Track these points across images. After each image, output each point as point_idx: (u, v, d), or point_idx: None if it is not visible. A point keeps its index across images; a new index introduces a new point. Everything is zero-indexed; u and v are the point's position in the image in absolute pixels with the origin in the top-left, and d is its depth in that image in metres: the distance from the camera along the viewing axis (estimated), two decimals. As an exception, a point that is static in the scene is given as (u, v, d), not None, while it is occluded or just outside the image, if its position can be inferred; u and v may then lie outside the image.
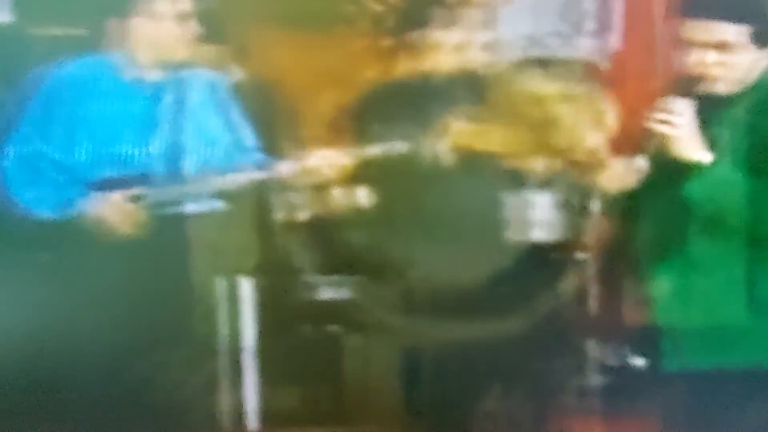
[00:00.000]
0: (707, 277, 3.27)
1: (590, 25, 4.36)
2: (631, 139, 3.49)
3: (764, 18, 3.24)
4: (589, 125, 3.80)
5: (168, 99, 3.87)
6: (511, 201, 3.81)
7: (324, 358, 4.04)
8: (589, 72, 4.22)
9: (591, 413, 3.96)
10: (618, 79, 4.14)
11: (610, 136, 3.80)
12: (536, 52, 4.27)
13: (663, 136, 3.16)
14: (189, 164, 3.85)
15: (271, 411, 3.92)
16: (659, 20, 4.05)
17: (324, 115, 4.06)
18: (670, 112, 3.17)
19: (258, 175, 3.81)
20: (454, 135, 3.88)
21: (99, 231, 3.73)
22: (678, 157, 3.17)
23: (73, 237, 3.77)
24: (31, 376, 4.05)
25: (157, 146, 3.83)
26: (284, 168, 3.78)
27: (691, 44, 3.22)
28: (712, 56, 3.19)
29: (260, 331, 3.88)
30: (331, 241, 3.95)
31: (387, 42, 4.18)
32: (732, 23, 3.18)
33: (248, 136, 3.93)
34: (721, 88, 3.24)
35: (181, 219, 3.79)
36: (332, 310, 4.04)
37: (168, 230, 3.76)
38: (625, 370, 3.81)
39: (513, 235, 3.82)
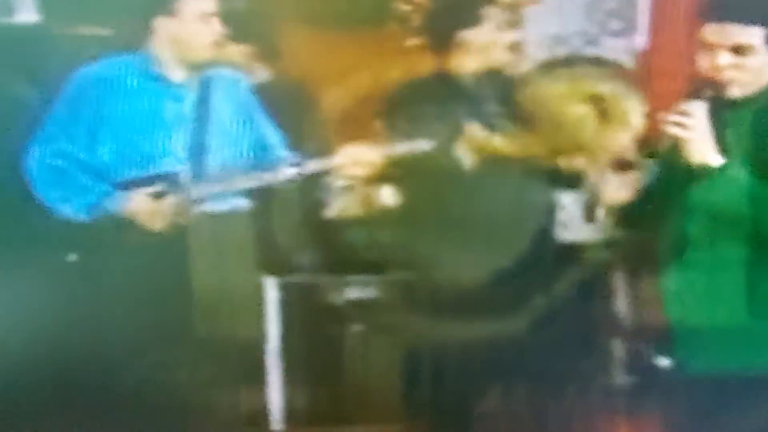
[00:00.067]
0: (723, 278, 3.27)
1: (616, 24, 4.36)
2: (657, 139, 3.49)
3: None
4: (615, 125, 3.81)
5: (193, 98, 3.89)
6: (537, 201, 3.81)
7: (348, 357, 4.05)
8: (615, 72, 4.23)
9: (617, 413, 3.96)
10: (644, 79, 4.14)
11: (636, 136, 3.80)
12: (562, 52, 4.27)
13: (676, 138, 3.16)
14: (214, 163, 3.87)
15: (295, 410, 3.93)
16: (685, 20, 4.05)
17: (351, 114, 4.08)
18: (683, 114, 3.17)
19: (283, 174, 3.82)
20: (481, 134, 3.89)
21: (126, 230, 3.77)
22: (689, 159, 3.17)
23: (100, 237, 3.80)
24: (62, 374, 4.09)
25: (182, 145, 3.85)
26: (310, 166, 3.80)
27: (707, 46, 3.22)
28: (727, 59, 3.19)
29: (285, 331, 3.90)
30: (356, 240, 3.96)
31: (415, 41, 4.20)
32: (748, 26, 3.18)
33: (273, 135, 3.95)
34: (735, 91, 3.24)
35: (206, 218, 3.80)
36: (357, 310, 4.05)
37: (194, 229, 3.78)
38: (651, 370, 3.81)
39: (540, 235, 3.83)
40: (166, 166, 3.82)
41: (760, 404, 3.27)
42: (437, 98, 3.97)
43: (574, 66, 4.12)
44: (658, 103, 3.65)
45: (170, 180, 3.80)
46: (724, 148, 3.17)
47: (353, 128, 3.93)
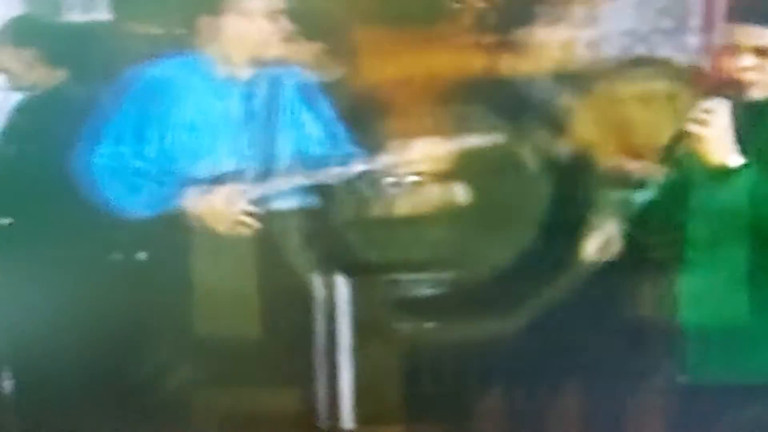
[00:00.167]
0: (737, 280, 3.25)
1: (694, 21, 4.33)
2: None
3: None
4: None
5: (260, 96, 3.91)
6: (605, 201, 3.79)
7: (420, 355, 4.06)
8: (692, 70, 4.20)
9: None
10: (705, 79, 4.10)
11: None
12: (639, 50, 4.26)
13: (696, 137, 3.14)
14: (280, 161, 3.88)
15: (366, 409, 3.95)
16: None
17: (422, 112, 4.09)
18: (706, 111, 3.15)
19: (351, 171, 3.81)
20: (555, 133, 3.89)
21: (194, 229, 3.77)
22: (708, 158, 3.15)
23: (168, 236, 3.81)
24: (129, 372, 4.17)
25: (247, 144, 3.86)
26: (379, 162, 3.78)
27: (732, 47, 3.21)
28: (750, 60, 3.18)
29: (356, 329, 3.90)
30: (426, 237, 3.97)
31: (489, 39, 4.20)
32: None
33: (341, 132, 3.96)
34: (757, 93, 3.22)
35: (272, 216, 3.80)
36: (428, 308, 4.06)
37: (262, 227, 3.77)
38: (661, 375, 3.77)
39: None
40: (231, 164, 3.83)
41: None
42: (512, 96, 3.98)
43: (650, 65, 4.10)
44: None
45: (235, 178, 3.81)
46: (743, 150, 3.15)
47: (419, 125, 3.92)
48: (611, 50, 4.27)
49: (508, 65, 4.07)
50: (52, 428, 4.33)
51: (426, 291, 4.10)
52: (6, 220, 4.25)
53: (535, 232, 3.80)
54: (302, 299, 3.86)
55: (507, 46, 4.05)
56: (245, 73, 3.90)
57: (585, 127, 3.88)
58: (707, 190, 3.24)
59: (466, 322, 3.88)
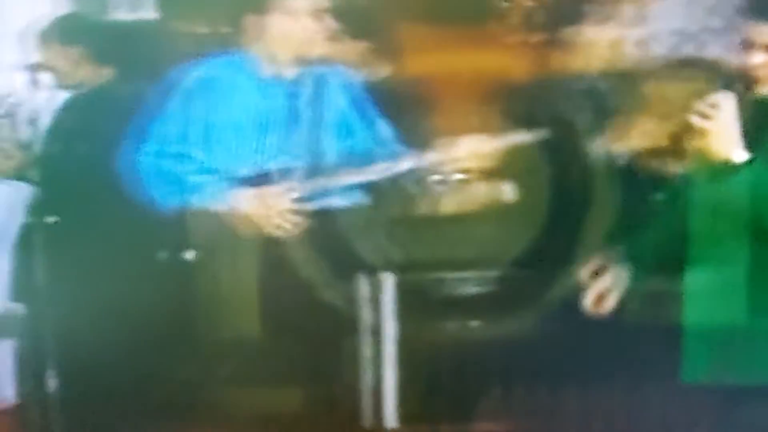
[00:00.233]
0: (739, 280, 3.21)
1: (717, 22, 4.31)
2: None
3: None
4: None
5: (305, 95, 3.93)
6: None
7: (465, 354, 4.05)
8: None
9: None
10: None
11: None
12: (687, 49, 4.24)
13: (701, 131, 3.12)
14: (326, 159, 3.91)
15: (410, 408, 3.95)
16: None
17: (468, 110, 4.09)
18: (712, 105, 3.13)
19: (398, 169, 3.83)
20: (603, 132, 3.89)
21: (241, 228, 3.80)
22: (713, 153, 3.13)
23: (215, 234, 3.84)
24: (173, 372, 4.19)
25: (293, 142, 3.89)
26: (426, 160, 3.80)
27: (746, 44, 3.20)
28: (761, 57, 3.17)
29: (402, 328, 3.89)
30: (472, 235, 3.96)
31: (538, 38, 4.21)
32: None
33: (386, 130, 3.98)
34: (766, 89, 3.21)
35: (319, 214, 3.83)
36: (474, 306, 4.06)
37: (310, 225, 3.80)
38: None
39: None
40: (277, 163, 3.86)
41: None
42: (561, 95, 3.98)
43: (699, 64, 4.08)
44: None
45: (281, 177, 3.84)
46: (749, 146, 3.13)
47: (465, 123, 3.92)
48: (660, 49, 4.25)
49: (557, 64, 4.08)
50: (96, 427, 4.36)
51: (472, 289, 4.10)
52: (52, 219, 4.25)
53: (578, 230, 3.81)
54: (349, 297, 3.87)
55: (556, 44, 4.07)
56: (291, 71, 3.93)
57: (632, 127, 3.87)
58: (710, 186, 3.21)
59: (511, 320, 3.89)
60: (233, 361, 3.92)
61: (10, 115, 4.48)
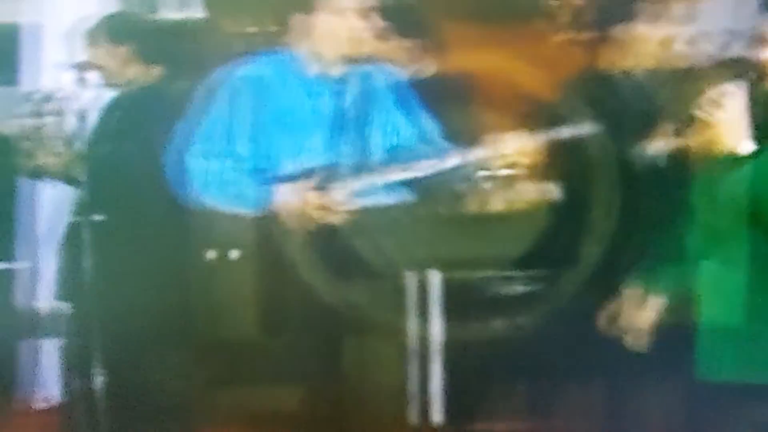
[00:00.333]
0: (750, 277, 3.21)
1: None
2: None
3: None
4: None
5: (352, 93, 3.97)
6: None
7: (511, 352, 4.05)
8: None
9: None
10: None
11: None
12: (736, 48, 4.23)
13: (709, 121, 3.12)
14: (374, 157, 3.94)
15: (456, 405, 3.95)
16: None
17: (516, 107, 4.11)
18: (721, 94, 3.13)
19: (445, 166, 3.83)
20: (650, 131, 3.89)
21: (288, 225, 3.81)
22: (720, 143, 3.12)
23: (262, 232, 3.86)
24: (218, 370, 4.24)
25: (341, 140, 3.92)
26: (472, 156, 3.80)
27: (762, 38, 3.21)
28: None
29: (448, 326, 3.90)
30: (518, 233, 3.97)
31: (587, 36, 4.21)
32: None
33: (433, 128, 4.00)
34: None
35: (365, 211, 3.84)
36: (520, 305, 4.06)
37: (356, 222, 3.82)
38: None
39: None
40: (324, 161, 3.88)
41: None
42: (610, 93, 3.99)
43: (739, 66, 4.08)
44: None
45: (328, 175, 3.85)
46: (757, 137, 3.12)
47: (513, 120, 3.94)
48: (710, 48, 4.25)
49: (606, 62, 4.10)
50: (141, 425, 4.41)
51: (517, 288, 4.11)
52: (98, 217, 4.28)
53: (624, 228, 3.82)
54: (397, 295, 3.88)
55: (605, 42, 4.08)
56: (337, 70, 3.97)
57: (681, 126, 3.87)
58: (721, 178, 3.23)
59: (557, 319, 3.90)
60: (282, 359, 3.97)
61: (57, 113, 4.53)
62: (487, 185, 3.82)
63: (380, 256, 3.82)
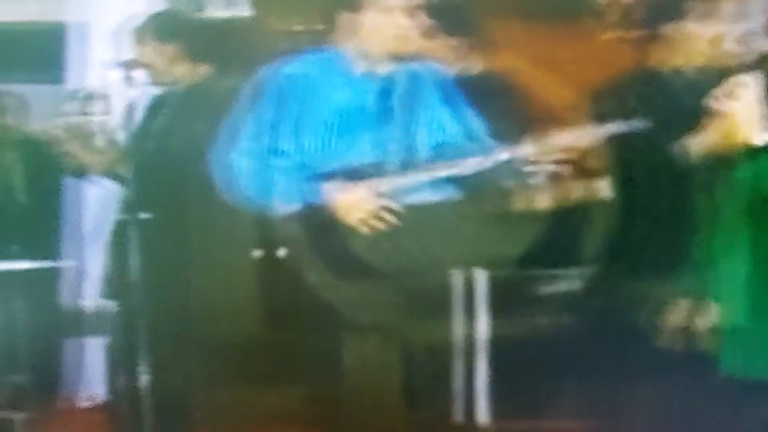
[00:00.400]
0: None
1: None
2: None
3: None
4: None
5: (398, 91, 3.98)
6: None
7: (558, 351, 4.07)
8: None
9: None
10: None
11: None
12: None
13: (724, 113, 3.11)
14: (420, 154, 3.95)
15: (502, 404, 3.98)
16: None
17: (564, 104, 4.12)
18: (736, 85, 3.12)
19: (491, 163, 3.83)
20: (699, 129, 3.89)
21: (335, 223, 3.82)
22: (734, 134, 3.11)
23: (309, 230, 3.85)
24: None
25: (388, 137, 3.94)
26: (519, 153, 3.80)
27: None
28: None
29: (494, 324, 3.90)
30: (566, 231, 3.98)
31: (636, 34, 4.22)
32: None
33: (479, 125, 4.01)
34: None
35: (411, 209, 3.83)
36: (565, 303, 4.09)
37: (403, 220, 3.81)
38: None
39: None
40: (370, 159, 3.91)
41: None
42: (659, 91, 4.00)
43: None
44: None
45: (374, 172, 3.88)
46: None
47: (560, 117, 3.97)
48: (760, 46, 4.25)
49: (655, 59, 4.10)
50: (185, 423, 4.45)
51: (564, 286, 4.12)
52: (145, 216, 4.32)
53: (670, 226, 3.82)
54: (441, 293, 3.89)
55: (655, 40, 4.09)
56: (384, 68, 3.99)
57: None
58: (738, 171, 3.23)
59: (603, 317, 3.91)
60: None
61: (104, 112, 4.58)
62: (534, 182, 3.82)
63: (426, 254, 3.81)
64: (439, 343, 3.90)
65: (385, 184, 3.85)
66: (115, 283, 4.58)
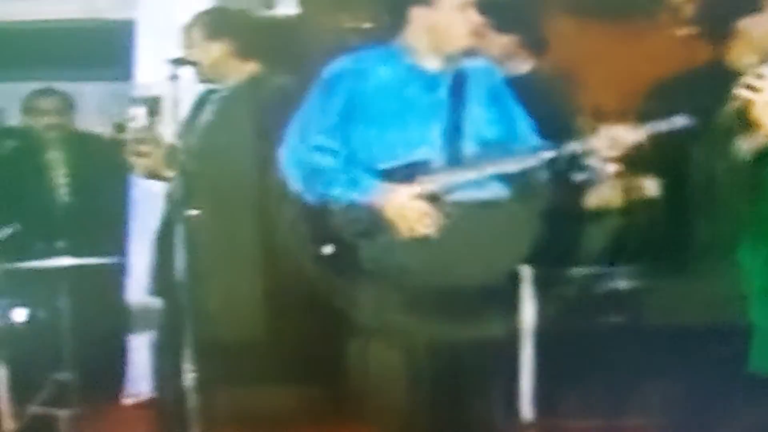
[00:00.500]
0: None
1: None
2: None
3: None
4: None
5: (450, 88, 4.02)
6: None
7: (605, 350, 4.08)
8: None
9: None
10: None
11: None
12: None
13: (746, 102, 3.13)
14: (469, 151, 3.98)
15: (546, 402, 4.00)
16: None
17: (614, 102, 4.14)
18: (759, 76, 3.13)
19: (541, 160, 3.87)
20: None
21: (387, 220, 3.88)
22: (757, 125, 3.11)
23: (364, 226, 3.92)
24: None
25: (438, 134, 3.97)
26: (569, 151, 3.83)
27: None
28: None
29: (540, 321, 3.95)
30: (616, 229, 3.99)
31: (693, 30, 4.23)
32: None
33: (530, 123, 4.04)
34: None
35: (462, 206, 3.88)
36: (615, 301, 4.10)
37: (452, 217, 3.86)
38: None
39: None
40: (423, 155, 3.94)
41: None
42: (710, 88, 4.01)
43: None
44: None
45: (425, 169, 3.91)
46: None
47: (610, 117, 3.96)
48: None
49: (713, 56, 4.11)
50: (232, 420, 4.50)
51: (612, 284, 4.12)
52: (192, 212, 4.36)
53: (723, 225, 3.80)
54: (505, 290, 3.93)
55: (712, 37, 4.10)
56: (435, 64, 4.03)
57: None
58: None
59: (654, 315, 3.92)
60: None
61: (154, 109, 4.62)
62: (584, 180, 3.85)
63: (474, 251, 3.83)
64: (485, 340, 3.89)
65: (435, 181, 3.88)
66: (163, 281, 4.61)
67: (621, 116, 3.94)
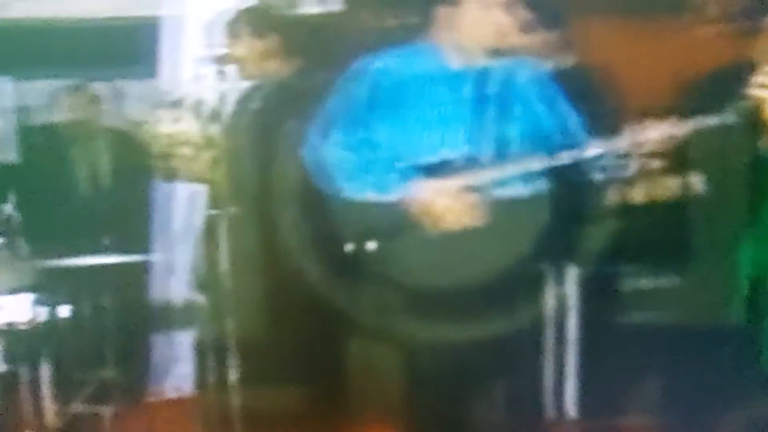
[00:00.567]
0: None
1: None
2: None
3: None
4: None
5: (493, 85, 4.03)
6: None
7: (646, 348, 4.08)
8: None
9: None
10: None
11: None
12: None
13: (758, 99, 3.11)
14: (514, 148, 3.98)
15: (590, 400, 4.01)
16: None
17: (657, 98, 4.15)
18: None
19: (585, 157, 3.86)
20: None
21: (426, 217, 3.88)
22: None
23: (400, 223, 3.92)
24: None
25: (481, 131, 3.98)
26: (613, 147, 3.83)
27: None
28: None
29: (584, 320, 3.96)
30: (658, 227, 3.99)
31: (732, 27, 4.22)
32: None
33: (574, 119, 4.05)
34: None
35: (501, 203, 3.88)
36: (656, 299, 4.11)
37: (494, 214, 3.86)
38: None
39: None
40: (462, 152, 3.95)
41: None
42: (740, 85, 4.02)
43: None
44: None
45: (466, 166, 3.92)
46: None
47: (652, 113, 3.95)
48: None
49: (749, 52, 4.09)
50: (274, 417, 4.53)
51: (656, 281, 4.12)
52: (235, 209, 4.39)
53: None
54: (535, 288, 3.94)
55: (750, 33, 4.09)
56: (479, 62, 4.04)
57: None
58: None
59: (695, 314, 3.93)
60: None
61: (195, 106, 4.65)
62: (627, 177, 3.85)
63: (517, 248, 3.85)
64: (528, 338, 3.91)
65: (477, 177, 3.89)
66: (205, 277, 4.66)
67: (663, 112, 3.93)
